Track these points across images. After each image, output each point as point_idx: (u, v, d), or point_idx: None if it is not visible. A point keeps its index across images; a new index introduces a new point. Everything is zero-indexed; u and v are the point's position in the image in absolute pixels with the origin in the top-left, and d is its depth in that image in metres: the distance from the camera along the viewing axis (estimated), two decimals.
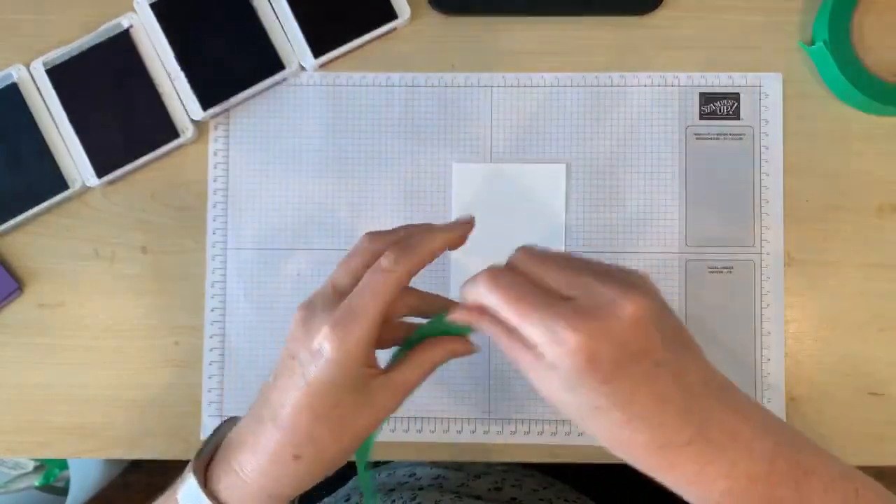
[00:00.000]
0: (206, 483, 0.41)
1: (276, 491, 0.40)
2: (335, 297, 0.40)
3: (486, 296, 0.37)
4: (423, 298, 0.44)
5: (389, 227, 0.58)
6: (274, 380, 0.40)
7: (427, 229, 0.42)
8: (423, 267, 0.41)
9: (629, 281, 0.37)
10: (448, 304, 0.42)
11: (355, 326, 0.38)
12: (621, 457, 0.38)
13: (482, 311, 0.38)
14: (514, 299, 0.36)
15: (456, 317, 0.39)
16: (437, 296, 0.45)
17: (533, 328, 0.36)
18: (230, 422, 0.44)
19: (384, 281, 0.39)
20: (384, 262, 0.40)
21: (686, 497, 0.37)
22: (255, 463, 0.40)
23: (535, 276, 0.37)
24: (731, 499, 0.36)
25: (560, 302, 0.36)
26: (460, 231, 0.43)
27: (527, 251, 0.39)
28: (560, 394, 0.36)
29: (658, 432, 0.36)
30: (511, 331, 0.37)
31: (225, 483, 0.41)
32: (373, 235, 0.43)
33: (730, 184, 0.57)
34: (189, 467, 0.41)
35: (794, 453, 0.37)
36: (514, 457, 0.57)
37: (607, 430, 0.36)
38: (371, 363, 0.40)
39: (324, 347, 0.38)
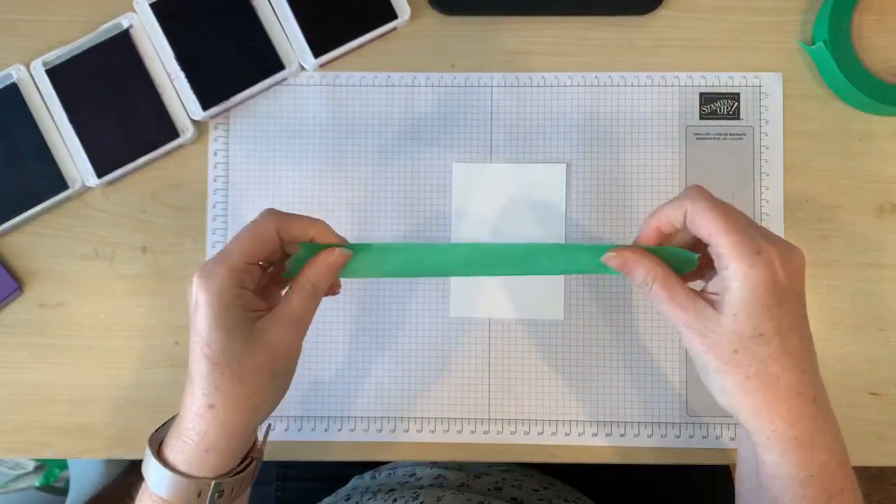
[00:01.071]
0: (159, 451, 0.43)
1: (206, 444, 0.42)
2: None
3: (698, 200, 0.40)
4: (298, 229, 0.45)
5: (388, 227, 0.58)
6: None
7: (312, 218, 0.45)
8: (291, 232, 0.43)
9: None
10: (313, 225, 0.44)
11: (218, 269, 0.41)
12: (746, 404, 0.41)
13: (640, 252, 0.42)
14: (723, 209, 0.40)
15: (612, 258, 0.42)
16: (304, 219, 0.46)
17: (734, 236, 0.39)
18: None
19: (247, 228, 0.42)
20: (259, 216, 0.43)
21: (784, 459, 0.41)
22: (185, 422, 0.42)
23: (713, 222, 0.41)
24: (824, 475, 0.41)
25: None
26: (335, 237, 0.45)
27: (700, 190, 0.42)
28: (721, 326, 0.39)
29: (800, 379, 0.40)
30: (670, 271, 0.41)
31: (171, 447, 0.43)
32: (271, 209, 0.45)
33: (730, 184, 0.57)
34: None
35: (846, 459, 0.43)
36: (514, 457, 0.57)
37: (757, 365, 0.39)
38: (251, 306, 0.42)
39: (197, 297, 0.41)
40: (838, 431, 0.43)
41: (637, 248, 0.43)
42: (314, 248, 0.44)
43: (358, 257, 0.45)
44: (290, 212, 0.44)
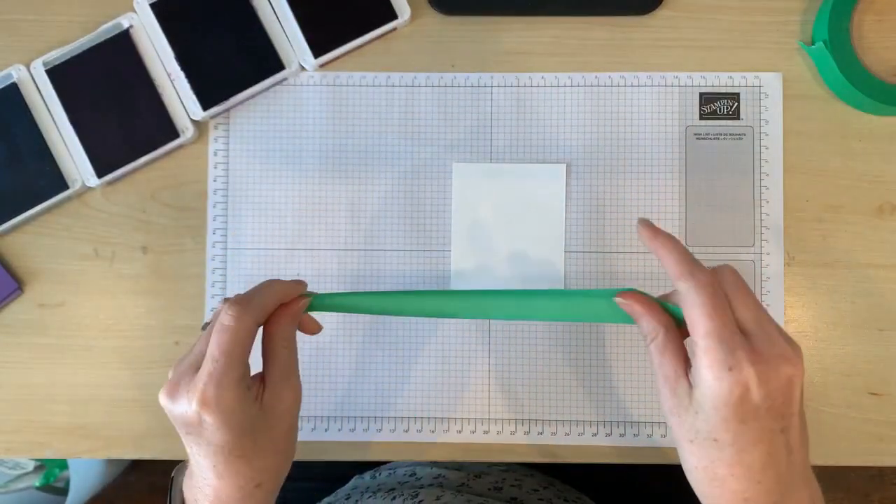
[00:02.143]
0: None
1: None
2: (196, 367, 0.42)
3: (699, 292, 0.39)
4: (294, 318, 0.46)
5: (389, 227, 0.58)
6: (192, 450, 0.43)
7: (266, 283, 0.45)
8: (266, 314, 0.44)
9: (791, 342, 0.40)
10: (274, 292, 0.44)
11: (224, 393, 0.40)
12: (697, 487, 0.41)
13: (648, 305, 0.42)
14: (719, 315, 0.38)
15: (623, 303, 0.42)
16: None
17: (716, 344, 0.38)
18: (181, 470, 0.47)
19: (232, 338, 0.41)
20: (224, 318, 0.41)
21: None
22: None
23: (731, 296, 0.40)
24: None
25: (742, 335, 0.39)
26: (295, 286, 0.46)
27: (733, 271, 0.41)
28: (687, 412, 0.39)
29: (752, 488, 0.39)
30: (669, 336, 0.41)
31: None
32: (228, 299, 0.43)
33: (730, 184, 0.57)
34: None
35: None
36: (514, 457, 0.57)
37: (707, 462, 0.39)
38: (253, 393, 0.43)
39: (205, 421, 0.40)
40: None
41: (648, 298, 0.42)
42: (324, 297, 0.46)
43: (324, 300, 0.46)
44: (243, 292, 0.44)
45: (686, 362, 0.40)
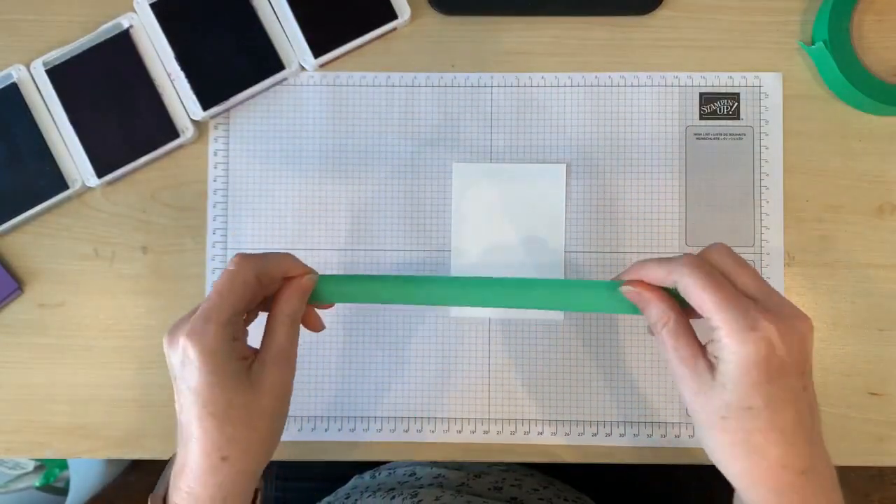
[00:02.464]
0: None
1: (223, 494, 0.42)
2: (191, 313, 0.42)
3: (688, 276, 0.40)
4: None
5: (389, 227, 0.58)
6: (177, 405, 0.42)
7: (277, 252, 0.46)
8: (268, 274, 0.44)
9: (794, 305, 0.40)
10: (285, 259, 0.45)
11: (209, 327, 0.41)
12: (731, 466, 0.40)
13: (656, 291, 0.42)
14: (718, 286, 0.39)
15: (629, 292, 0.43)
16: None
17: (727, 311, 0.38)
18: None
19: (228, 279, 0.42)
20: (229, 265, 0.43)
21: None
22: (194, 480, 0.42)
23: (727, 269, 0.41)
24: None
25: (748, 299, 0.39)
26: (305, 268, 0.46)
27: (723, 248, 0.42)
28: (713, 390, 0.39)
29: (788, 452, 0.39)
30: (680, 319, 0.41)
31: None
32: (240, 254, 0.45)
33: (730, 184, 0.57)
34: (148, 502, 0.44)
35: None
36: (514, 457, 0.57)
37: (743, 434, 0.39)
38: (243, 354, 0.42)
39: (188, 356, 0.40)
40: (834, 502, 0.41)
41: (656, 287, 0.43)
42: (330, 279, 0.46)
43: (331, 281, 0.46)
44: (257, 252, 0.45)
45: (699, 343, 0.41)
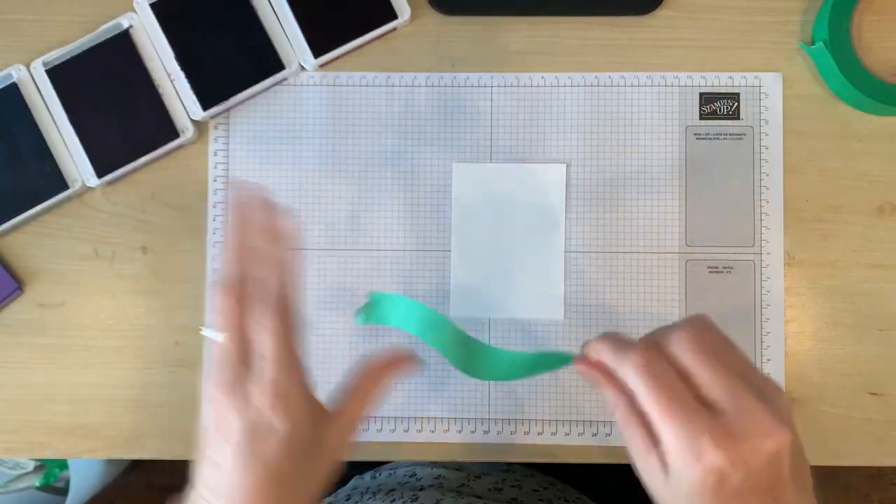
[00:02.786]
0: None
1: None
2: (242, 362, 0.38)
3: (633, 379, 0.36)
4: None
5: (389, 227, 0.58)
6: (213, 464, 0.38)
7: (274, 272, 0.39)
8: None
9: (779, 406, 0.35)
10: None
11: (294, 390, 0.37)
12: None
13: (608, 374, 0.38)
14: (665, 396, 0.35)
15: (580, 370, 0.39)
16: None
17: (673, 431, 0.34)
18: None
19: (276, 343, 0.37)
20: (261, 317, 0.37)
21: None
22: None
23: (688, 369, 0.36)
24: None
25: (708, 412, 0.34)
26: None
27: (688, 338, 0.36)
28: (665, 493, 0.36)
29: None
30: (633, 406, 0.36)
31: None
32: (222, 288, 0.39)
33: (730, 184, 0.57)
34: None
35: None
36: (514, 457, 0.57)
37: None
38: (318, 412, 0.39)
39: (273, 424, 0.36)
40: None
41: (607, 364, 0.38)
42: (388, 299, 0.43)
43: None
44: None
45: (653, 436, 0.36)
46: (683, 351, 0.36)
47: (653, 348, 0.37)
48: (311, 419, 0.38)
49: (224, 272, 0.39)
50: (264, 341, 0.37)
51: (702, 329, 0.37)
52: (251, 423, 0.36)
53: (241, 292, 0.39)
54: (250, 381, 0.37)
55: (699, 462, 0.34)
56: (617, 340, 0.38)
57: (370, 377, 0.41)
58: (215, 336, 0.38)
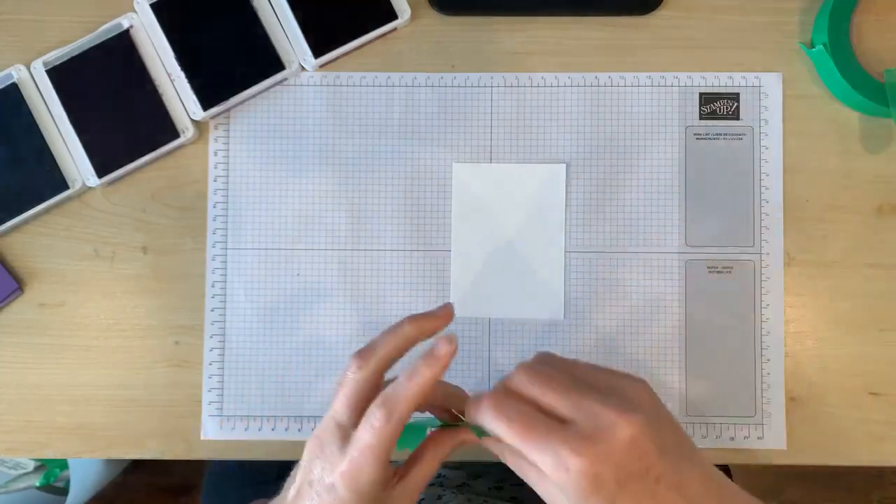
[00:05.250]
0: None
1: None
2: (340, 430, 0.41)
3: (491, 424, 0.38)
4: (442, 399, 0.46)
5: (389, 227, 0.58)
6: (292, 497, 0.42)
7: (411, 373, 0.41)
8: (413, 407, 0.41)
9: (626, 396, 0.39)
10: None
11: (367, 471, 0.39)
12: None
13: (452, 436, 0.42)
14: (519, 429, 0.38)
15: (470, 440, 0.42)
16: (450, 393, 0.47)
17: (538, 455, 0.37)
18: None
19: (379, 438, 0.39)
20: (375, 421, 0.40)
21: None
22: None
23: (536, 398, 0.39)
24: None
25: (561, 427, 0.38)
26: (443, 361, 0.42)
27: (526, 371, 0.40)
28: None
29: None
30: (511, 449, 0.39)
31: None
32: (360, 360, 0.42)
33: (730, 184, 0.57)
34: None
35: None
36: None
37: None
38: (387, 479, 0.41)
39: (337, 490, 0.40)
40: None
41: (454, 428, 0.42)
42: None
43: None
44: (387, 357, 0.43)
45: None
46: (526, 385, 0.39)
47: (500, 391, 0.40)
48: (374, 493, 0.40)
49: (376, 354, 0.42)
50: (365, 440, 0.40)
51: (539, 361, 0.41)
52: (324, 482, 0.40)
53: (372, 362, 0.42)
54: (330, 448, 0.41)
55: (569, 472, 0.36)
56: (473, 398, 0.40)
57: (439, 447, 0.43)
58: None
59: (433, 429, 0.44)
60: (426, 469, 0.43)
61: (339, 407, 0.41)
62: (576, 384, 0.39)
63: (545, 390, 0.39)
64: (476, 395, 0.41)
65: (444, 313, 0.44)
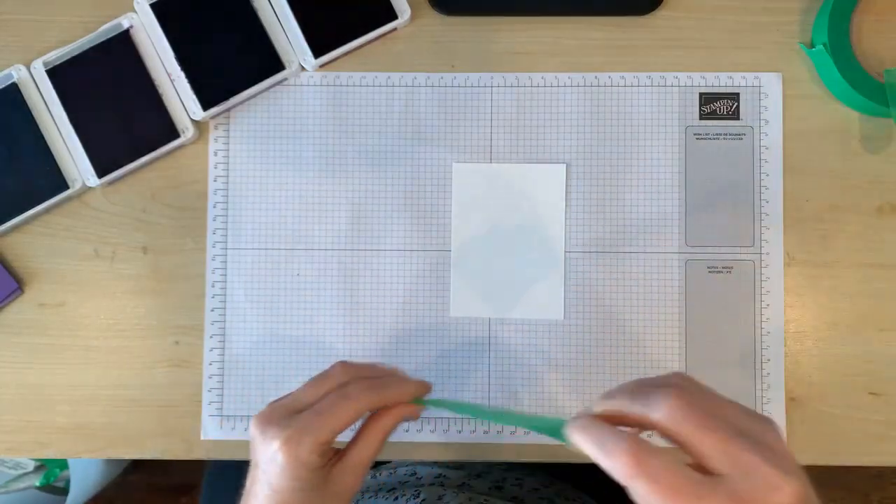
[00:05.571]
0: None
1: None
2: (293, 411, 0.42)
3: (631, 481, 0.34)
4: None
5: (389, 227, 0.58)
6: (249, 482, 0.44)
7: (400, 378, 0.45)
8: (381, 406, 0.44)
9: (778, 450, 0.34)
10: (407, 390, 0.45)
11: (306, 440, 0.41)
12: None
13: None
14: (666, 491, 0.33)
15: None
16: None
17: None
18: None
19: (345, 406, 0.42)
20: (352, 389, 0.42)
21: None
22: None
23: (684, 441, 0.35)
24: None
25: (712, 487, 0.33)
26: (420, 388, 0.45)
27: (680, 406, 0.35)
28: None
29: None
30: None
31: None
32: (346, 365, 0.45)
33: (730, 184, 0.57)
34: None
35: None
36: (514, 456, 0.57)
37: None
38: (328, 457, 0.43)
39: (277, 459, 0.41)
40: None
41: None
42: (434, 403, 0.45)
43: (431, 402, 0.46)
44: (367, 367, 0.45)
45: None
46: (676, 424, 0.35)
47: (635, 440, 0.35)
48: (314, 465, 0.41)
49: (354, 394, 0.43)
50: (330, 401, 0.42)
51: (689, 394, 0.36)
52: (266, 455, 0.41)
53: (357, 370, 0.44)
54: (277, 425, 0.42)
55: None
56: (599, 439, 0.36)
57: (378, 426, 0.44)
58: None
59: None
60: (368, 447, 0.44)
61: (300, 393, 0.43)
62: (734, 431, 0.34)
63: (700, 434, 0.34)
64: (598, 435, 0.37)
65: (424, 386, 0.45)
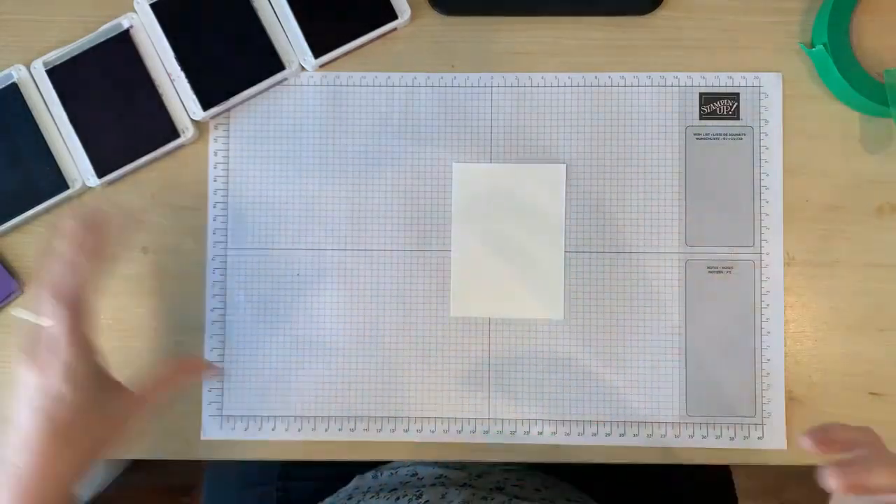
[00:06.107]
0: None
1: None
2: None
3: None
4: None
5: (389, 227, 0.58)
6: (16, 427, 0.46)
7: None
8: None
9: None
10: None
11: (80, 369, 0.46)
12: None
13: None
14: None
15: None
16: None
17: None
18: None
19: (65, 331, 0.47)
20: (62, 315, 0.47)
21: None
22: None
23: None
24: None
25: None
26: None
27: (885, 467, 0.37)
28: None
29: None
30: None
31: None
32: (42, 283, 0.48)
33: (730, 184, 0.57)
34: None
35: None
36: (514, 457, 0.57)
37: None
38: (107, 385, 0.48)
39: (64, 393, 0.45)
40: None
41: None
42: None
43: None
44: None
45: None
46: (882, 477, 0.37)
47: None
48: (98, 390, 0.47)
49: (48, 271, 0.47)
50: (58, 329, 0.47)
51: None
52: (45, 390, 0.46)
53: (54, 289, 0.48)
54: (48, 356, 0.46)
55: None
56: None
57: (169, 375, 0.51)
58: (28, 317, 0.48)
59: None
60: (154, 390, 0.50)
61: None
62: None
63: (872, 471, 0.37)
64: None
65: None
